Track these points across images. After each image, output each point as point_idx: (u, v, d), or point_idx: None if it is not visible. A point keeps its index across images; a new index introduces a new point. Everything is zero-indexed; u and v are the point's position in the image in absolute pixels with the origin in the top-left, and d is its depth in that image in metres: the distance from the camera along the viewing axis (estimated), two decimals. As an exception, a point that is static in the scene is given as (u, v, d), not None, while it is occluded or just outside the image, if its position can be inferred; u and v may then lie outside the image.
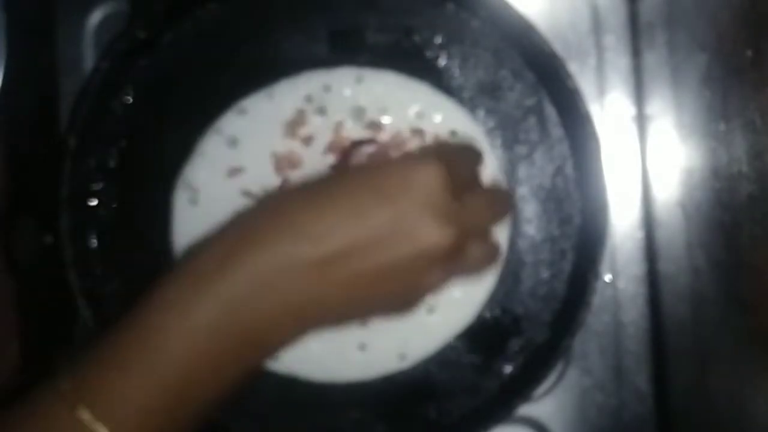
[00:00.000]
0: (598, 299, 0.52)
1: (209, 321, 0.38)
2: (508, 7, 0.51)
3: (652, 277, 0.55)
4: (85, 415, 0.36)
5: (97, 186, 0.52)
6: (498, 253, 0.46)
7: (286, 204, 0.42)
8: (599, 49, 0.56)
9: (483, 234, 0.45)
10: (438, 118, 0.53)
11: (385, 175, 0.41)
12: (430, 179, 0.40)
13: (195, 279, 0.39)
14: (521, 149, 0.53)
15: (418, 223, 0.40)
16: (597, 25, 0.56)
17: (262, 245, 0.39)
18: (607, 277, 0.55)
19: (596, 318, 0.54)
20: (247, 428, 0.53)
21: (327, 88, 0.53)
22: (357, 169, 0.42)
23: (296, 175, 0.52)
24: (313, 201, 0.41)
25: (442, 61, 0.53)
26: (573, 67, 0.52)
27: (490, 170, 0.53)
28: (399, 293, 0.42)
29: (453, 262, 0.41)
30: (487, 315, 0.53)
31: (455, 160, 0.43)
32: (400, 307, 0.43)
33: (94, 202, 0.52)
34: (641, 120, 0.55)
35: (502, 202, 0.48)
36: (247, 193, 0.52)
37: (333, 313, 0.41)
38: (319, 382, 0.52)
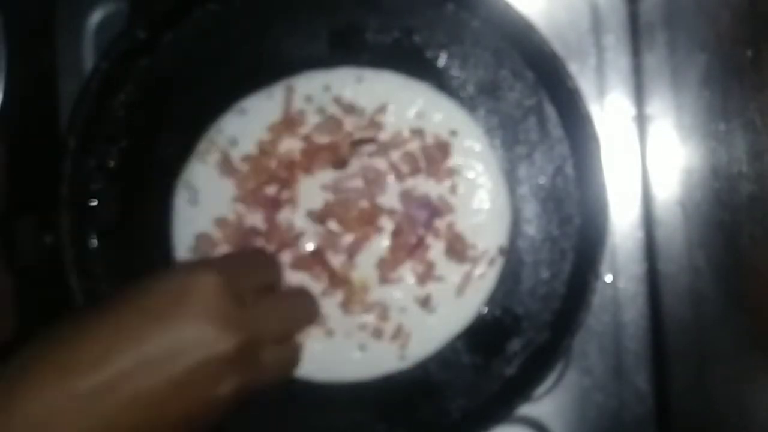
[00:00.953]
0: (598, 299, 0.52)
1: None
2: (508, 7, 0.51)
3: (652, 277, 0.55)
4: None
5: (97, 186, 0.52)
6: (296, 357, 0.46)
7: (62, 334, 0.40)
8: (599, 49, 0.56)
9: (278, 339, 0.44)
10: (438, 118, 0.53)
11: (157, 292, 0.41)
12: (205, 288, 0.40)
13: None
14: (521, 149, 0.53)
15: (197, 333, 0.39)
16: (597, 25, 0.56)
17: (31, 385, 0.37)
18: (608, 277, 0.55)
19: (596, 318, 0.54)
20: (247, 428, 0.53)
21: (327, 88, 0.53)
22: (134, 287, 0.41)
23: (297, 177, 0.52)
24: (86, 329, 0.39)
25: (442, 61, 0.53)
26: (573, 67, 0.52)
27: (490, 170, 0.53)
28: (194, 406, 0.40)
29: (245, 368, 0.41)
30: (487, 315, 0.53)
31: (238, 267, 0.44)
32: (200, 422, 0.41)
33: (94, 202, 0.52)
34: (641, 120, 0.55)
35: (301, 306, 0.48)
36: (247, 193, 0.52)
37: None
38: (319, 382, 0.52)
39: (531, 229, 0.53)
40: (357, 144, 0.52)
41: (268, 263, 0.49)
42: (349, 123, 0.53)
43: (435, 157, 0.52)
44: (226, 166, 0.52)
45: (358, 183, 0.52)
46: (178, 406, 0.40)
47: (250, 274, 0.45)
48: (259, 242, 0.52)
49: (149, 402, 0.39)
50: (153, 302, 0.40)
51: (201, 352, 0.39)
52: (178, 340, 0.39)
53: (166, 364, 0.39)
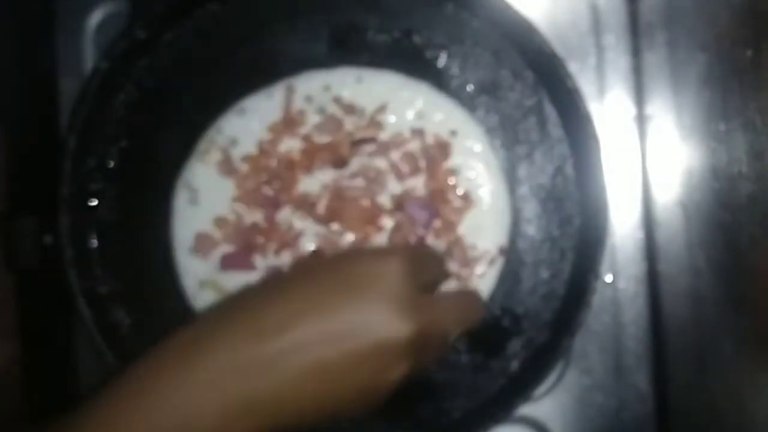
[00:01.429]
0: (598, 299, 0.52)
1: (156, 422, 0.37)
2: (508, 7, 0.51)
3: (652, 277, 0.55)
4: None
5: (97, 186, 0.52)
6: (448, 352, 0.48)
7: (249, 298, 0.41)
8: (599, 49, 0.56)
9: (444, 337, 0.44)
10: (438, 118, 0.53)
11: (351, 266, 0.42)
12: (394, 272, 0.41)
13: (151, 377, 0.38)
14: (521, 149, 0.53)
15: (381, 315, 0.40)
16: (597, 25, 0.56)
17: (216, 343, 0.39)
18: (608, 278, 0.55)
19: (596, 318, 0.54)
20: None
21: (327, 88, 0.53)
22: (324, 261, 0.43)
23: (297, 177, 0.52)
24: (276, 292, 0.41)
25: (442, 61, 0.53)
26: (573, 67, 0.52)
27: (490, 170, 0.53)
28: (363, 387, 0.40)
29: (416, 357, 0.41)
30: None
31: (421, 259, 0.44)
32: (364, 404, 0.41)
33: (94, 202, 0.52)
34: (641, 120, 0.55)
35: (472, 307, 0.48)
36: (246, 193, 0.52)
37: (290, 409, 0.39)
38: (319, 382, 0.52)
39: (531, 229, 0.53)
40: (357, 144, 0.52)
41: (443, 262, 0.50)
42: (349, 123, 0.53)
43: (435, 157, 0.52)
44: (226, 166, 0.52)
45: (358, 183, 0.52)
46: (349, 384, 0.40)
47: (431, 267, 0.46)
48: (260, 242, 0.52)
49: (323, 376, 0.39)
50: (342, 279, 0.41)
51: (382, 334, 0.40)
52: (363, 319, 0.40)
53: (347, 340, 0.39)
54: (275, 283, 0.42)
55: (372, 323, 0.40)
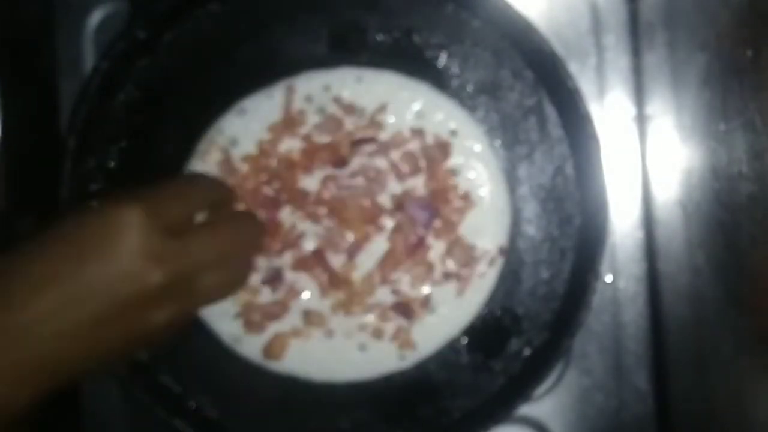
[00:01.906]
0: (598, 299, 0.52)
1: None
2: (508, 7, 0.51)
3: (652, 277, 0.55)
4: None
5: (97, 186, 0.52)
6: (239, 279, 0.47)
7: (21, 267, 0.41)
8: (599, 49, 0.56)
9: (219, 263, 0.45)
10: (438, 118, 0.53)
11: (84, 228, 0.41)
12: (130, 222, 0.41)
13: None
14: (521, 149, 0.53)
15: (123, 268, 0.41)
16: (597, 25, 0.56)
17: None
18: (608, 277, 0.55)
19: (596, 318, 0.54)
20: (247, 428, 0.53)
21: (327, 88, 0.53)
22: (61, 225, 0.42)
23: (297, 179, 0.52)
24: (16, 267, 0.41)
25: (442, 61, 0.53)
26: (573, 67, 0.52)
27: (490, 170, 0.53)
28: (129, 335, 0.42)
29: (178, 297, 0.42)
30: (487, 315, 0.53)
31: (169, 197, 0.44)
32: (137, 347, 0.44)
33: (94, 202, 0.52)
34: (641, 120, 0.55)
35: (244, 230, 0.48)
36: (246, 193, 0.52)
37: (60, 368, 0.41)
38: (319, 382, 0.52)
39: (531, 229, 0.53)
40: (357, 144, 0.52)
41: (209, 186, 0.49)
42: (349, 123, 0.53)
43: (435, 157, 0.52)
44: (226, 166, 0.52)
45: (358, 183, 0.52)
46: (113, 335, 0.41)
47: (183, 202, 0.45)
48: (259, 242, 0.52)
49: (80, 334, 0.40)
50: (80, 237, 0.41)
51: (129, 287, 0.41)
52: (106, 275, 0.40)
53: (96, 298, 0.40)
54: (14, 256, 0.41)
55: (117, 277, 0.40)
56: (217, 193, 0.49)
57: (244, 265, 0.48)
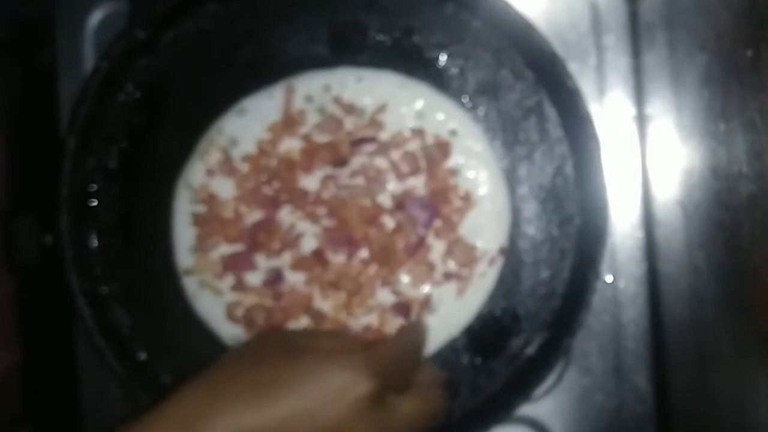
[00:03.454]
0: (598, 299, 0.52)
1: None
2: (508, 8, 0.51)
3: (652, 277, 0.55)
4: None
5: (97, 186, 0.52)
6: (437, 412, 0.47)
7: (240, 370, 0.43)
8: (599, 49, 0.56)
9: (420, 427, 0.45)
10: (438, 118, 0.53)
11: (315, 380, 0.42)
12: (359, 398, 0.42)
13: None
14: (521, 149, 0.53)
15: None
16: (597, 25, 0.56)
17: (222, 413, 0.40)
18: (608, 277, 0.55)
19: (596, 318, 0.54)
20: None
21: (327, 88, 0.53)
22: (291, 361, 0.43)
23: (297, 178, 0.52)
24: (258, 375, 0.42)
25: (442, 61, 0.53)
26: (573, 67, 0.52)
27: (490, 170, 0.53)
28: None
29: None
30: (487, 315, 0.53)
31: (393, 368, 0.44)
32: None
33: (94, 202, 0.52)
34: (641, 120, 0.55)
35: (434, 402, 0.47)
36: (246, 193, 0.52)
37: None
38: (319, 382, 0.52)
39: (531, 229, 0.53)
40: (357, 144, 0.52)
41: (416, 357, 0.48)
42: (349, 123, 0.53)
43: (435, 157, 0.52)
44: (226, 165, 0.52)
45: (358, 182, 0.52)
46: None
47: (401, 375, 0.45)
48: (260, 241, 0.52)
49: None
50: (307, 401, 0.41)
51: None
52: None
53: None
54: (255, 365, 0.43)
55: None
56: (421, 355, 0.49)
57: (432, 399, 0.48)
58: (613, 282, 0.55)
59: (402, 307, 0.52)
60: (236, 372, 0.43)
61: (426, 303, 0.52)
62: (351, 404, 0.41)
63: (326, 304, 0.52)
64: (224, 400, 0.41)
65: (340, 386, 0.41)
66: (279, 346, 0.45)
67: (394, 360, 0.45)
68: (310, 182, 0.52)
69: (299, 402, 0.41)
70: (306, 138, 0.53)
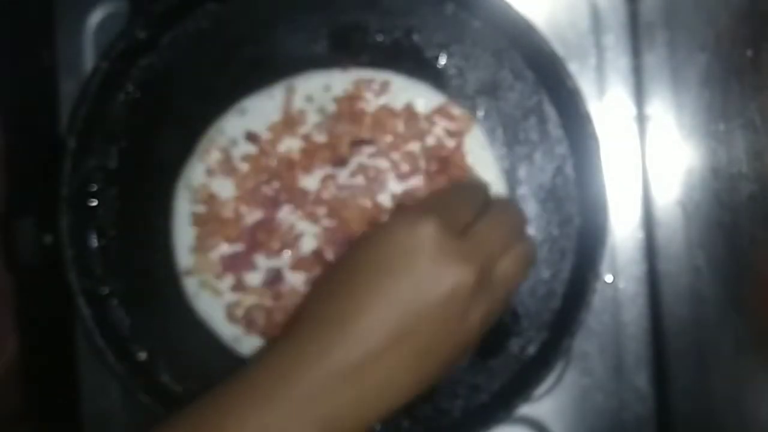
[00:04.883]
0: (598, 299, 0.52)
1: (285, 417, 0.41)
2: (508, 8, 0.51)
3: (652, 277, 0.55)
4: None
5: (97, 186, 0.52)
6: (529, 256, 0.47)
7: (326, 308, 0.43)
8: (599, 49, 0.56)
9: (506, 248, 0.45)
10: (438, 118, 0.53)
11: (384, 248, 0.43)
12: (429, 236, 0.42)
13: (270, 380, 0.42)
14: (521, 149, 0.53)
15: (434, 277, 0.42)
16: (597, 25, 0.56)
17: (302, 360, 0.42)
18: (608, 277, 0.55)
19: (596, 318, 0.54)
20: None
21: (327, 88, 0.53)
22: (361, 250, 0.44)
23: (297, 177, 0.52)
24: (331, 306, 0.43)
25: (442, 61, 0.53)
26: (573, 67, 0.52)
27: (490, 170, 0.53)
28: (453, 341, 0.43)
29: (486, 292, 0.43)
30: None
31: (452, 206, 0.45)
32: (463, 349, 0.45)
33: (94, 202, 0.52)
34: (641, 120, 0.55)
35: (512, 214, 0.49)
36: (246, 193, 0.52)
37: (407, 390, 0.43)
38: (319, 382, 0.52)
39: (531, 229, 0.53)
40: (357, 144, 0.52)
41: (475, 188, 0.50)
42: (350, 122, 0.53)
43: (435, 157, 0.52)
44: (226, 165, 0.52)
45: (358, 182, 0.52)
46: (441, 345, 0.43)
47: (462, 206, 0.46)
48: (260, 241, 0.52)
49: (424, 350, 0.42)
50: (386, 256, 0.43)
51: (443, 292, 0.42)
52: (420, 288, 0.42)
53: (418, 312, 0.42)
54: (323, 294, 0.44)
55: (430, 286, 0.42)
56: (483, 190, 0.50)
57: (526, 241, 0.48)
58: (613, 282, 0.55)
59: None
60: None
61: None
62: (459, 300, 0.42)
63: (326, 304, 0.52)
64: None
65: (447, 287, 0.42)
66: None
67: (452, 204, 0.46)
68: (310, 182, 0.52)
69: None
70: (306, 138, 0.53)
